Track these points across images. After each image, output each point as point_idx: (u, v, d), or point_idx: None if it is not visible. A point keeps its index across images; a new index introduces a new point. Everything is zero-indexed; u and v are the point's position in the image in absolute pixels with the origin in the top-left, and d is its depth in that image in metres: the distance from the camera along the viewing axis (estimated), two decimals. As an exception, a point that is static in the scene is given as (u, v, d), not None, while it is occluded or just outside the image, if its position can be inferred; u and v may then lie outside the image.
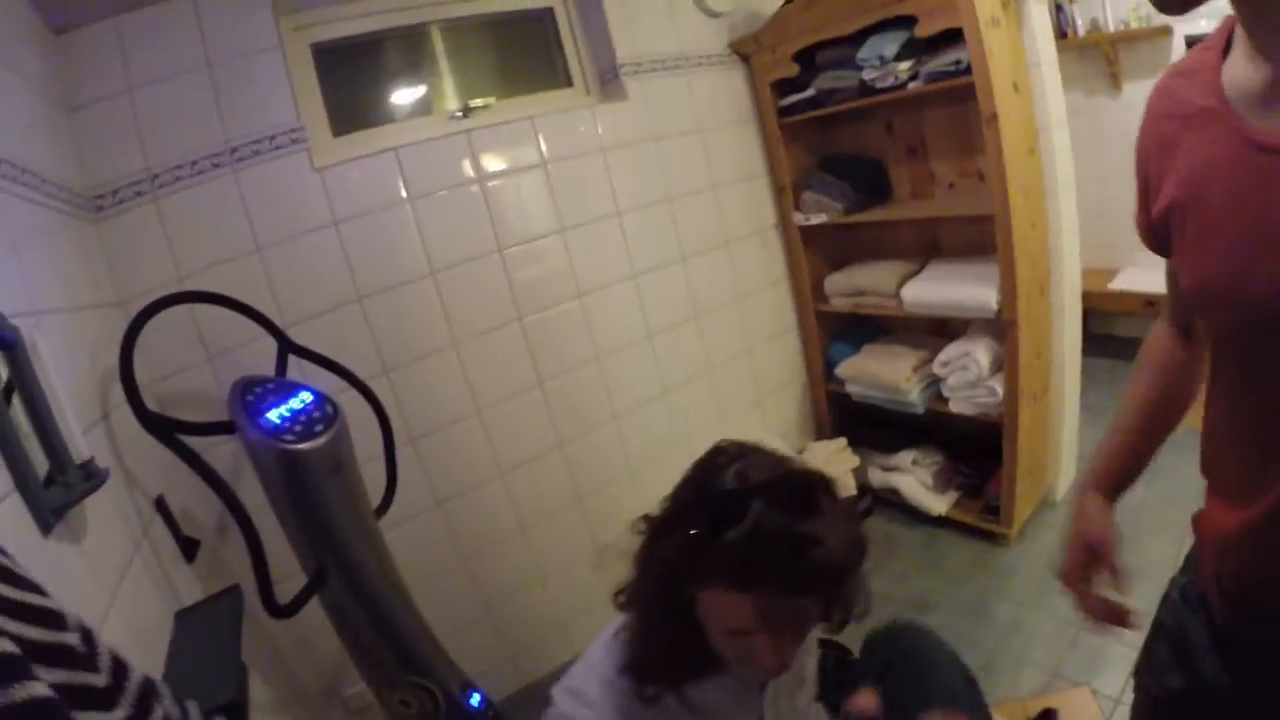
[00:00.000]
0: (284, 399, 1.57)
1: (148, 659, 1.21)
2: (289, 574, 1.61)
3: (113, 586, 1.20)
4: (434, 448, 2.19)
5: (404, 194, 2.06)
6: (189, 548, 1.62)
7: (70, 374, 1.35)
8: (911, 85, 2.27)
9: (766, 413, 2.89)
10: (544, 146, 2.28)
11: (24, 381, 1.10)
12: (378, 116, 2.16)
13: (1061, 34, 3.31)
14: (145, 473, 1.52)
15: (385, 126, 2.15)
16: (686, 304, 2.61)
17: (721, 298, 2.71)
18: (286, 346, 1.75)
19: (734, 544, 0.76)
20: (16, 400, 1.09)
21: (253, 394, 1.56)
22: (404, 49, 2.21)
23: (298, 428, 1.52)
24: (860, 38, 2.33)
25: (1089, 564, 0.99)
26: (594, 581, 2.42)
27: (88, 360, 1.45)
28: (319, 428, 1.55)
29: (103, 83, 1.71)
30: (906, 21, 2.18)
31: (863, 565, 0.86)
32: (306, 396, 1.61)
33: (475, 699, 1.81)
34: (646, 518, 0.91)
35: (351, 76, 2.11)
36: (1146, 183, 0.80)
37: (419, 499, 2.18)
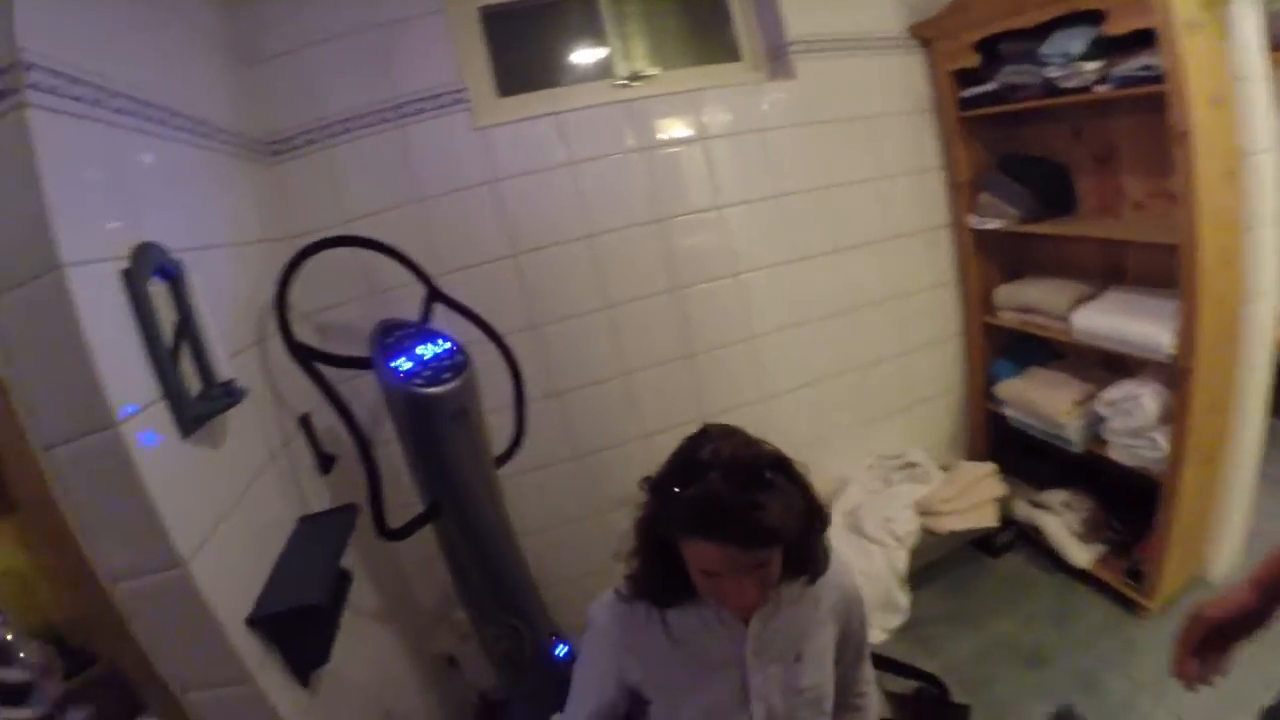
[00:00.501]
0: (420, 344, 1.67)
1: (263, 553, 1.36)
2: (409, 502, 1.73)
3: (242, 488, 1.34)
4: (576, 404, 2.25)
5: (563, 158, 2.09)
6: (326, 462, 1.78)
7: (232, 302, 1.52)
8: (1099, 88, 1.99)
9: (914, 421, 2.70)
10: (707, 120, 2.23)
11: (182, 308, 1.26)
12: (542, 80, 2.19)
13: (1276, 46, 2.83)
14: (294, 392, 1.69)
15: (550, 90, 2.17)
16: (841, 296, 2.48)
17: (879, 295, 2.55)
18: (434, 294, 1.85)
19: (690, 501, 0.95)
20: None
21: (392, 336, 1.67)
22: (573, 14, 2.22)
23: (427, 372, 1.61)
24: (1046, 31, 2.07)
25: (1200, 636, 0.95)
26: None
27: (251, 289, 1.61)
28: (447, 375, 1.63)
29: (280, 39, 1.87)
30: (1094, 17, 1.91)
31: (812, 531, 1.05)
32: (442, 344, 1.70)
33: (562, 650, 1.87)
34: (646, 478, 1.07)
35: (519, 40, 2.15)
36: None
37: (555, 450, 2.25)
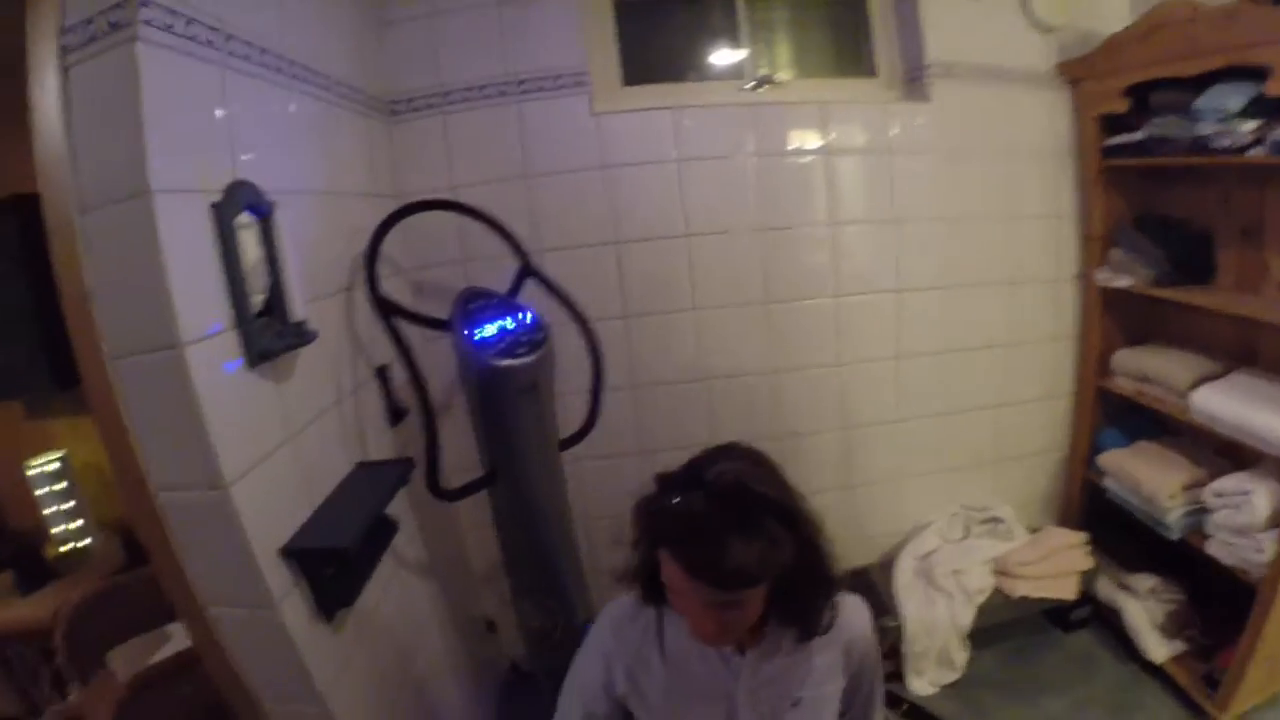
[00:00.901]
0: (501, 316, 1.69)
1: (311, 490, 1.40)
2: (469, 465, 1.77)
3: (300, 426, 1.38)
4: (652, 399, 2.22)
5: (678, 154, 2.06)
6: (397, 414, 1.84)
7: (326, 248, 1.58)
8: (1253, 152, 1.75)
9: (1007, 476, 2.48)
10: (833, 135, 2.13)
11: (269, 247, 1.32)
12: (669, 74, 2.15)
13: None
14: (376, 343, 1.76)
15: (675, 85, 2.14)
16: (948, 335, 2.31)
17: (989, 339, 2.37)
18: (526, 269, 1.85)
19: (669, 513, 0.91)
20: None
21: (475, 304, 1.68)
22: (710, 11, 2.16)
23: (503, 344, 1.62)
24: (1203, 83, 1.84)
25: None
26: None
27: (347, 239, 1.66)
28: (522, 350, 1.63)
29: (413, 4, 1.94)
30: (1257, 73, 1.67)
31: (805, 589, 0.96)
32: (523, 318, 1.72)
33: None
34: (659, 474, 1.01)
35: (650, 31, 2.11)
36: None
37: (624, 442, 2.24)
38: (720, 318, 2.19)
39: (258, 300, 1.29)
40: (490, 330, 1.65)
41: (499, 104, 1.98)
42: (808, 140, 2.14)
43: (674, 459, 2.05)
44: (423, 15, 1.95)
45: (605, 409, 2.00)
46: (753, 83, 2.16)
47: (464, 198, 1.92)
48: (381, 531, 1.55)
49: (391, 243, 1.74)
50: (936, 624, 1.94)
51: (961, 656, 1.96)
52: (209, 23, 1.20)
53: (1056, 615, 2.41)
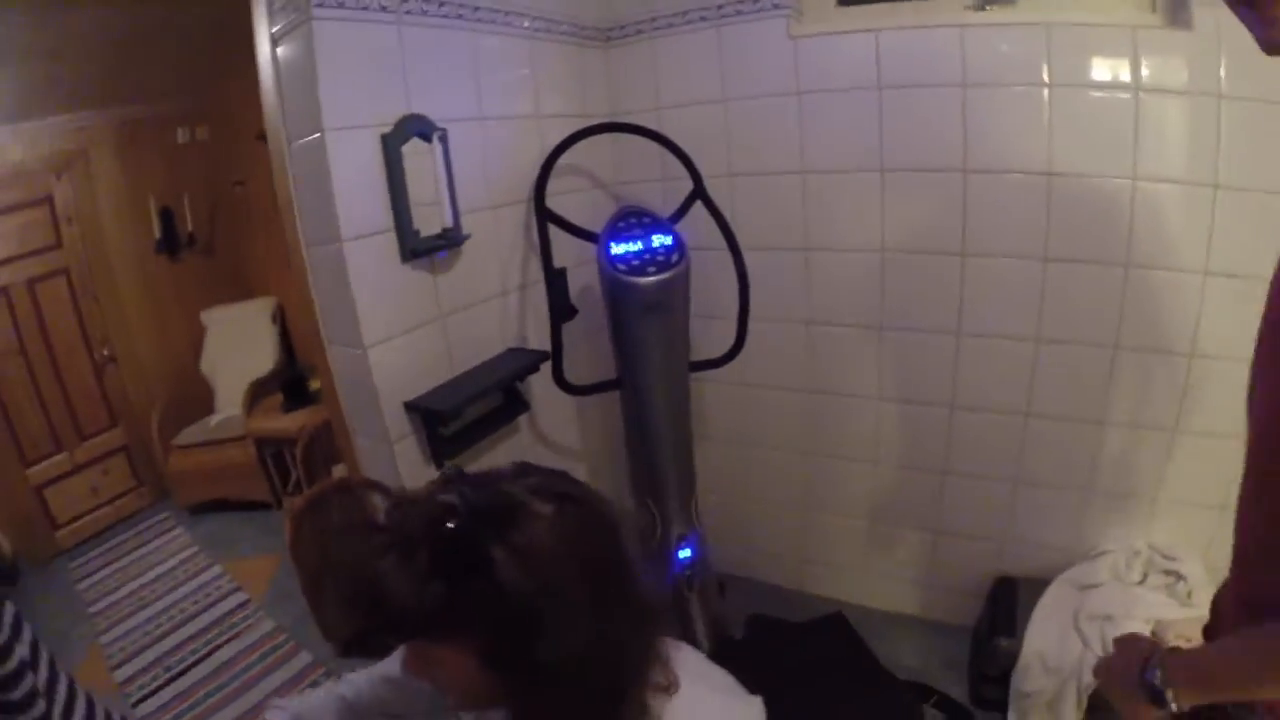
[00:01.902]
0: (646, 235, 1.85)
1: (453, 362, 1.81)
2: (603, 366, 2.05)
3: (448, 310, 1.78)
4: (824, 340, 2.18)
5: (874, 80, 1.88)
6: (561, 314, 2.09)
7: (516, 166, 1.92)
8: None
9: (1222, 525, 1.84)
10: (1052, 65, 1.72)
11: (438, 168, 1.67)
12: None
13: None
14: (558, 247, 2.03)
15: (893, 5, 1.90)
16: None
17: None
18: (697, 193, 1.94)
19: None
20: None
21: (625, 221, 1.86)
22: None
23: (636, 262, 1.80)
24: None
25: None
26: (894, 555, 2.32)
27: (539, 157, 1.93)
28: (652, 269, 1.79)
29: None
30: None
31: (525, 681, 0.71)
32: (664, 240, 1.85)
33: (685, 553, 2.01)
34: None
35: None
36: None
37: (784, 377, 2.26)
38: (909, 263, 2.00)
39: (418, 210, 1.66)
40: (626, 248, 1.82)
41: (700, 28, 2.02)
42: (1024, 71, 1.76)
43: (832, 405, 2.26)
44: None
45: (774, 341, 2.09)
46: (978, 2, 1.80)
47: (668, 120, 2.08)
48: (508, 407, 1.92)
49: (601, 159, 2.09)
50: (1060, 668, 1.65)
51: (1073, 718, 1.65)
52: None
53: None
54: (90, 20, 2.76)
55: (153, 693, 2.63)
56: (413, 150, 1.64)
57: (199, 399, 4.33)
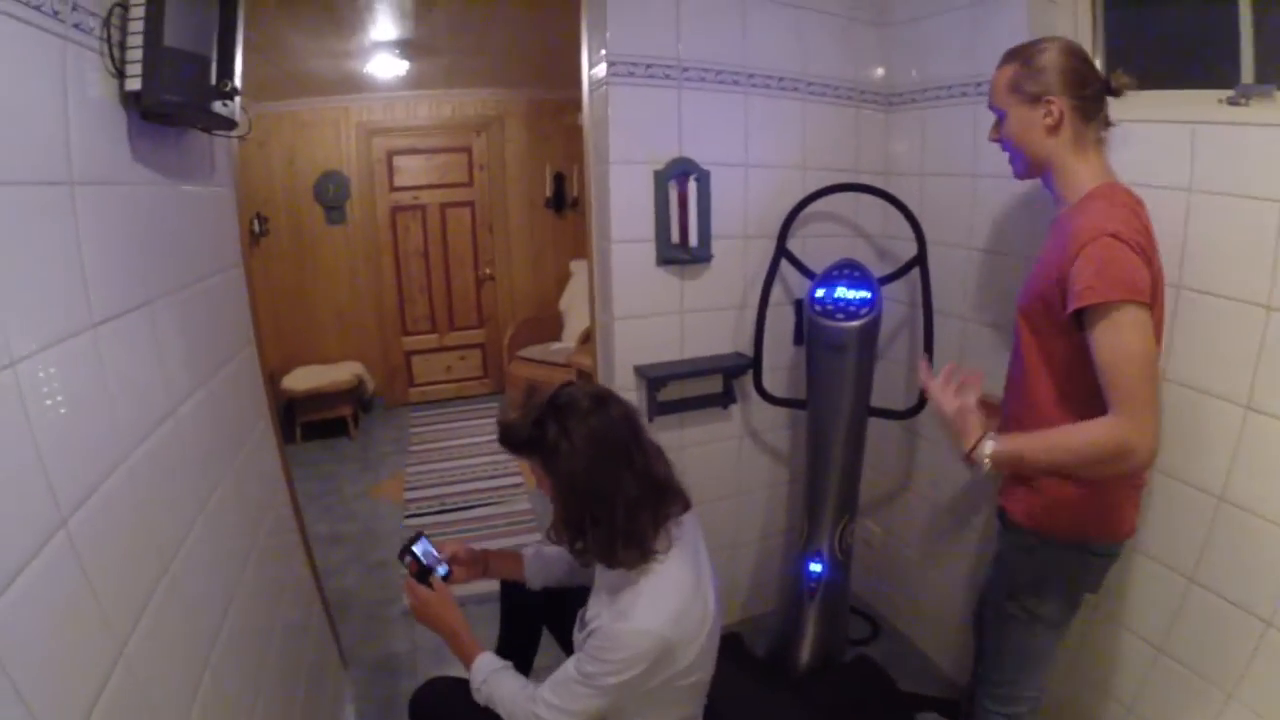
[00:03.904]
0: (850, 284, 2.21)
1: (684, 347, 2.34)
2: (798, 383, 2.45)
3: (686, 309, 2.33)
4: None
5: (1186, 182, 1.60)
6: (799, 336, 2.50)
7: (770, 205, 2.35)
8: None
9: None
10: None
11: (699, 199, 2.22)
12: (1161, 79, 1.73)
13: None
14: (797, 280, 2.42)
15: (1163, 92, 1.71)
16: None
17: None
18: (918, 258, 2.23)
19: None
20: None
21: (839, 270, 2.25)
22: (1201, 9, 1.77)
23: (830, 307, 2.21)
24: None
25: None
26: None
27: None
28: (839, 317, 2.18)
29: (903, 9, 2.33)
30: None
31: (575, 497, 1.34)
32: (863, 294, 2.19)
33: (815, 567, 2.33)
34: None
35: (1137, 26, 1.88)
36: None
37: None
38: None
39: (675, 229, 2.22)
40: (827, 292, 2.22)
41: (961, 103, 2.20)
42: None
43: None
44: (907, 20, 2.35)
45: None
46: (1234, 95, 1.59)
47: (928, 186, 2.38)
48: (722, 397, 2.45)
49: (857, 209, 2.48)
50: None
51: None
52: (666, 62, 2.14)
53: None
54: (501, 31, 3.83)
55: (422, 515, 3.79)
56: (677, 184, 2.17)
57: (550, 327, 5.52)
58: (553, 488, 1.37)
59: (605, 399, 1.39)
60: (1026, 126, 1.44)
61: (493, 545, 1.92)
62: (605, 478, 1.32)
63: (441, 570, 1.71)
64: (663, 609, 1.31)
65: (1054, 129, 1.42)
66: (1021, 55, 1.45)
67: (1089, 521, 1.47)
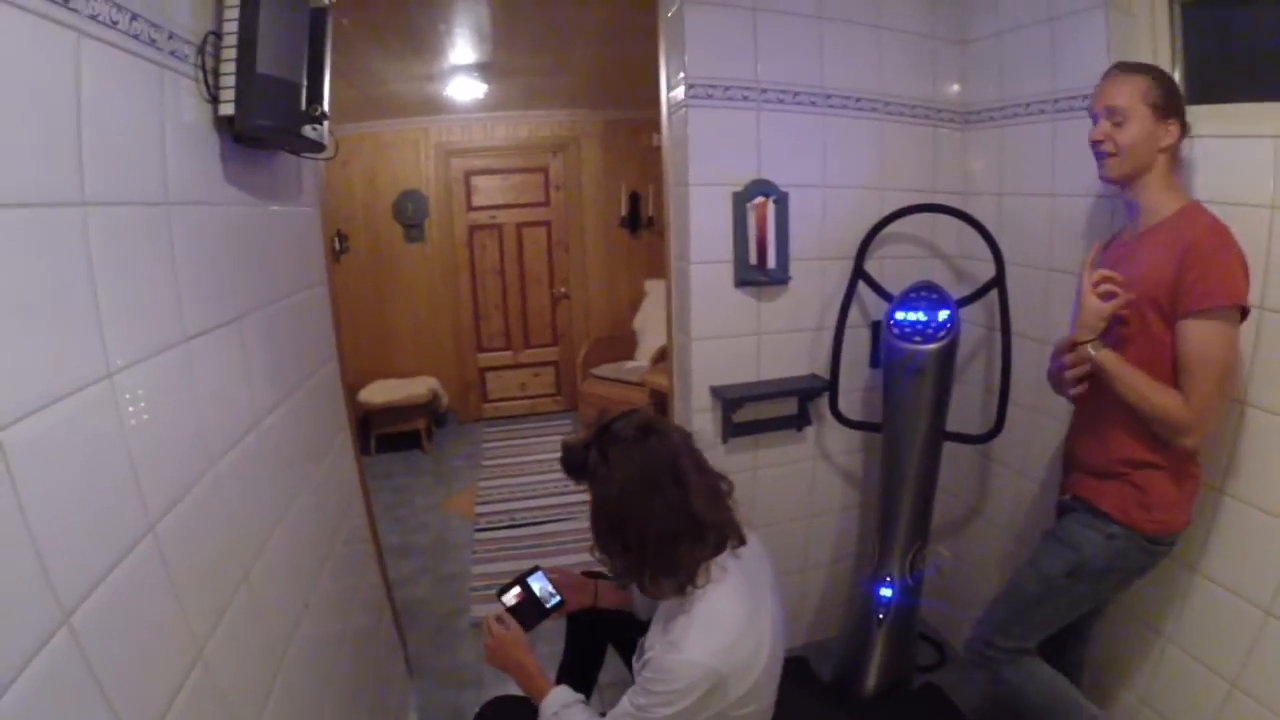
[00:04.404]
0: (929, 307, 2.15)
1: (760, 368, 2.31)
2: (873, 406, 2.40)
3: (763, 330, 2.30)
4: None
5: (1269, 199, 1.57)
6: (875, 358, 2.44)
7: (848, 227, 2.32)
8: None
9: None
10: None
11: (777, 220, 2.20)
12: (1235, 90, 1.74)
13: None
14: (876, 302, 2.37)
15: (1242, 106, 1.69)
16: None
17: None
18: (996, 281, 2.17)
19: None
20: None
21: (916, 293, 2.20)
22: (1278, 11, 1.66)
23: (908, 329, 2.15)
24: None
25: None
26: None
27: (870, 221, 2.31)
28: (916, 339, 2.13)
29: (982, 26, 2.27)
30: None
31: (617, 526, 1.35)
32: (941, 315, 2.13)
33: (885, 591, 2.26)
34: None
35: (1216, 39, 1.80)
36: None
37: (1032, 463, 2.28)
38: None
39: (752, 251, 2.21)
40: (906, 315, 2.17)
41: (1038, 120, 2.14)
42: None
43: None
44: (988, 35, 2.29)
45: (1034, 432, 2.20)
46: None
47: (1006, 205, 2.31)
48: (798, 419, 2.42)
49: (935, 230, 2.43)
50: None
51: None
52: (744, 84, 2.14)
53: None
54: (578, 53, 3.89)
55: (492, 529, 3.85)
56: (755, 205, 2.16)
57: (624, 346, 5.55)
58: (591, 510, 1.40)
59: (650, 429, 1.39)
60: (1148, 137, 1.53)
61: (561, 563, 1.93)
62: (636, 508, 1.32)
63: (554, 601, 1.73)
64: (713, 640, 1.30)
65: (1167, 148, 1.54)
66: (1151, 71, 1.55)
67: (1175, 519, 1.60)
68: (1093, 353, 1.55)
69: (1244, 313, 1.45)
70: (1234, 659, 1.69)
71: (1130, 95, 1.53)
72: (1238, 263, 1.43)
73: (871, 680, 2.32)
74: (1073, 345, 1.60)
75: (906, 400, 2.18)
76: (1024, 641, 1.78)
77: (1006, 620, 1.80)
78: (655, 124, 2.35)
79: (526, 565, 1.83)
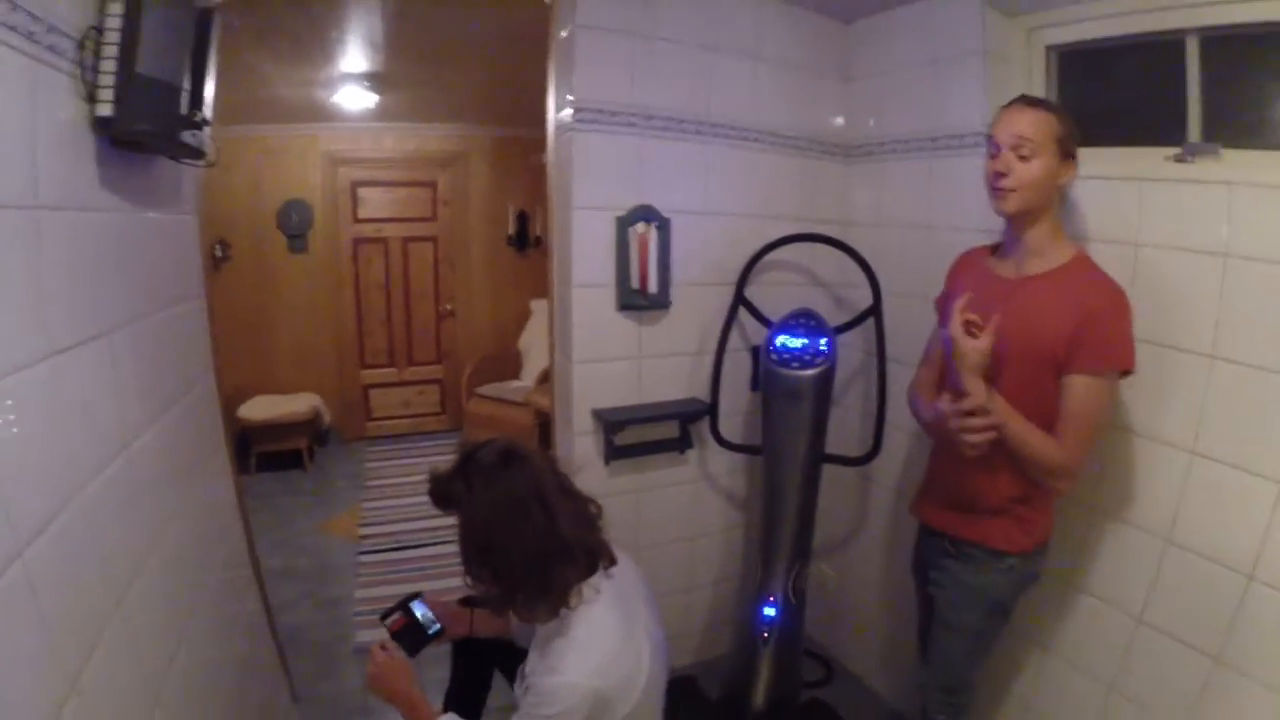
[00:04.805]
0: (806, 334, 2.23)
1: (641, 393, 2.35)
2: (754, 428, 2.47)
3: (644, 354, 2.34)
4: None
5: (1134, 234, 1.71)
6: (754, 383, 2.51)
7: (728, 252, 2.39)
8: None
9: None
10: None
11: (660, 246, 2.26)
12: (1106, 135, 1.87)
13: None
14: (755, 327, 2.45)
15: (1113, 149, 1.85)
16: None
17: None
18: (873, 308, 2.30)
19: None
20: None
21: (795, 320, 2.29)
22: (1148, 61, 1.85)
23: (785, 355, 2.23)
24: None
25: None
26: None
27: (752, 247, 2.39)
28: (795, 365, 2.21)
29: (866, 65, 2.44)
30: None
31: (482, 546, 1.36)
32: (818, 343, 2.22)
33: (769, 611, 2.29)
34: None
35: (1089, 86, 2.00)
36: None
37: (907, 483, 2.37)
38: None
39: (635, 275, 2.25)
40: (784, 340, 2.25)
41: (916, 157, 2.30)
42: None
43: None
44: (871, 74, 2.45)
45: (912, 453, 2.32)
46: (1182, 154, 1.71)
47: (885, 236, 2.44)
48: (679, 441, 2.47)
49: (813, 258, 2.52)
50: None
51: None
52: (631, 110, 2.20)
53: None
54: (470, 69, 3.89)
55: (376, 551, 3.76)
56: (638, 231, 2.21)
57: (509, 365, 5.49)
58: (459, 538, 1.40)
59: (512, 456, 1.41)
60: (1050, 175, 1.54)
61: (447, 585, 1.89)
62: (502, 533, 1.34)
63: (434, 628, 1.71)
64: (590, 660, 1.33)
65: (1063, 188, 1.59)
66: (1055, 109, 1.57)
67: (1048, 529, 1.72)
68: (991, 401, 1.50)
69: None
70: (1110, 665, 1.84)
71: (1039, 129, 1.52)
72: (1130, 327, 1.49)
73: (760, 698, 2.34)
74: (961, 395, 1.54)
75: (786, 424, 2.25)
76: (971, 685, 1.86)
77: (954, 684, 1.85)
78: (544, 143, 2.38)
79: (411, 589, 1.81)
